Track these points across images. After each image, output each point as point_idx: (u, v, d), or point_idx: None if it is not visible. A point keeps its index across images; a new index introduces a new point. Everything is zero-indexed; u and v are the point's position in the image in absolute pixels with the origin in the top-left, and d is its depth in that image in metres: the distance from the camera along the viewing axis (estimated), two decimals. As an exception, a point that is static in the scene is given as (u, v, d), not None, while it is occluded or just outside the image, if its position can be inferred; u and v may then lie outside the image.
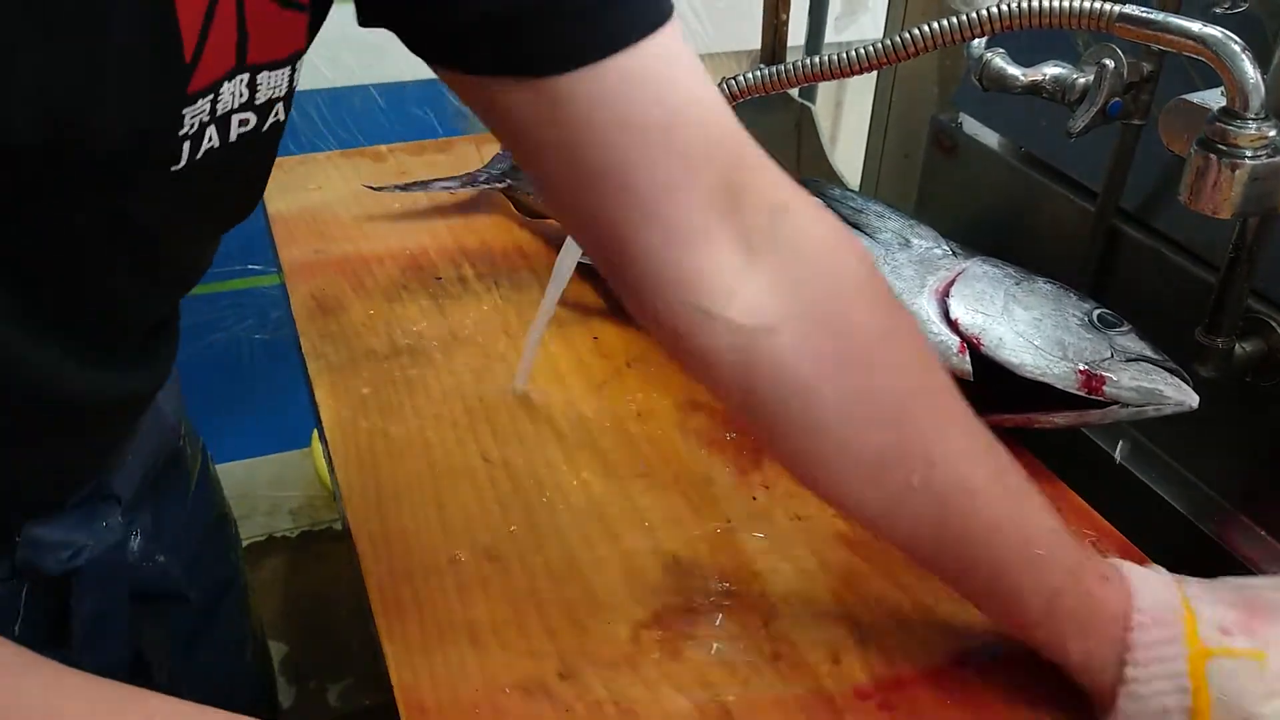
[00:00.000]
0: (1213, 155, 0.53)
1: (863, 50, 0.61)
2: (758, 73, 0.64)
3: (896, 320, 0.54)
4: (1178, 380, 0.70)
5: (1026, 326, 0.72)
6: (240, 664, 0.81)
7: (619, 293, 0.52)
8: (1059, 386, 0.69)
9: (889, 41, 0.61)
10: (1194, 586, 0.55)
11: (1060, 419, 0.71)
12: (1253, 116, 0.52)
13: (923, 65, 1.20)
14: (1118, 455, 0.75)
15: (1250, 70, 0.50)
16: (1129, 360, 0.70)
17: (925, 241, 0.80)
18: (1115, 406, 0.70)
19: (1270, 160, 0.52)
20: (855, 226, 0.81)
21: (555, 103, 0.45)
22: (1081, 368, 0.69)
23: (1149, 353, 0.72)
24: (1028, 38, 0.88)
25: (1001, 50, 0.77)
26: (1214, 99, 0.61)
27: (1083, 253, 0.89)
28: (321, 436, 0.76)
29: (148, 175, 0.42)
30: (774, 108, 1.14)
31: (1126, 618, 0.52)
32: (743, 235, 0.49)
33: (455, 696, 0.56)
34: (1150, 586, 0.54)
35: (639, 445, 0.74)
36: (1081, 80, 0.76)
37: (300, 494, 1.95)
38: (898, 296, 0.72)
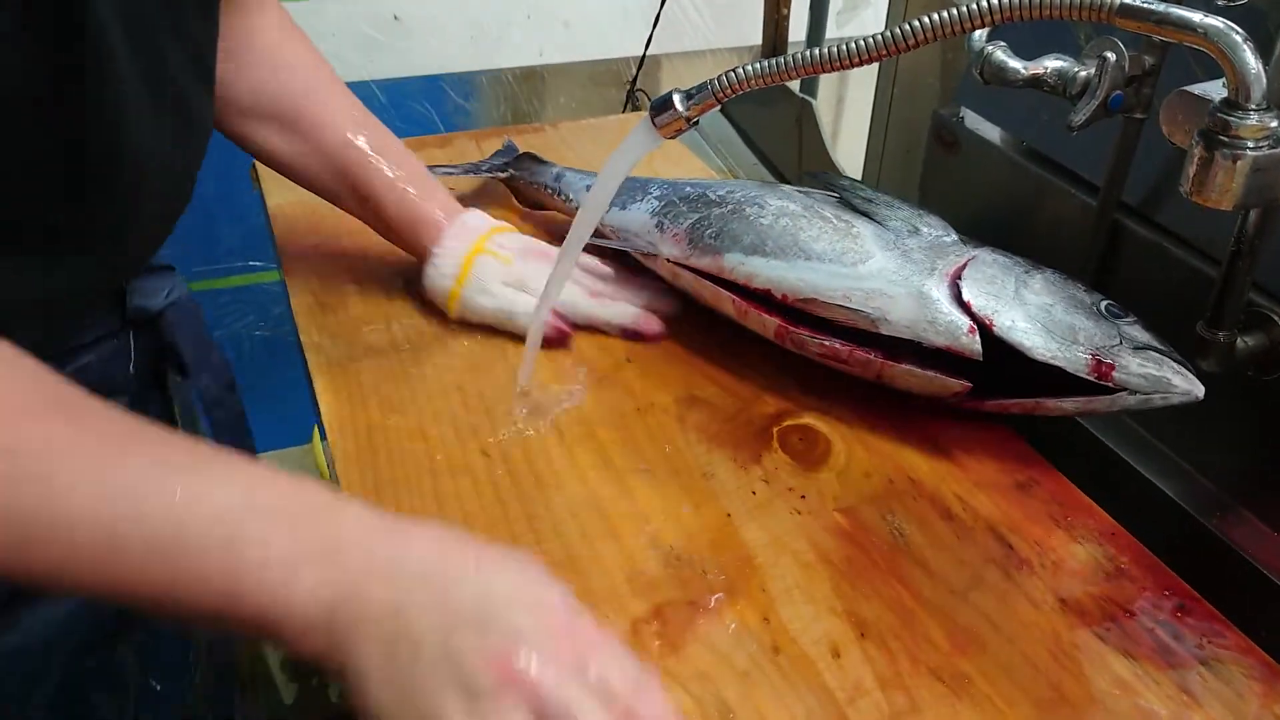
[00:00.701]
0: (1214, 147, 0.53)
1: (864, 42, 0.60)
2: (758, 65, 0.63)
3: None
4: (1184, 370, 0.71)
5: (1038, 310, 0.72)
6: None
7: None
8: (1070, 370, 0.70)
9: (890, 33, 0.61)
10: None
11: (1069, 404, 0.71)
12: (1254, 108, 0.51)
13: (924, 60, 1.19)
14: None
15: (1252, 61, 0.50)
16: (1137, 349, 0.71)
17: (935, 229, 0.81)
18: (1123, 394, 0.70)
19: (1272, 151, 0.52)
20: (866, 215, 0.82)
21: None
22: (1091, 353, 0.70)
23: (1156, 343, 0.72)
24: (1029, 31, 0.88)
25: (1003, 44, 0.77)
26: (1215, 90, 0.61)
27: (1085, 247, 0.89)
28: (321, 431, 0.76)
29: None
30: (775, 103, 1.14)
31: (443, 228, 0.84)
32: None
33: (454, 691, 0.56)
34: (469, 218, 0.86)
35: (638, 440, 0.74)
36: (1083, 73, 0.76)
37: (301, 490, 1.95)
38: (906, 280, 0.74)
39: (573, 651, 0.45)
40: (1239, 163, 0.52)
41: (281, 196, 1.02)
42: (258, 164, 1.09)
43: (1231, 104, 0.52)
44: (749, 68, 0.63)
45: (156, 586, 0.44)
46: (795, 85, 1.22)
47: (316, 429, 1.74)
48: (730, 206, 0.84)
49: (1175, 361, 0.71)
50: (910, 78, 1.20)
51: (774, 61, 0.62)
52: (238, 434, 0.87)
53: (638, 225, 0.87)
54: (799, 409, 0.77)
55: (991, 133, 1.04)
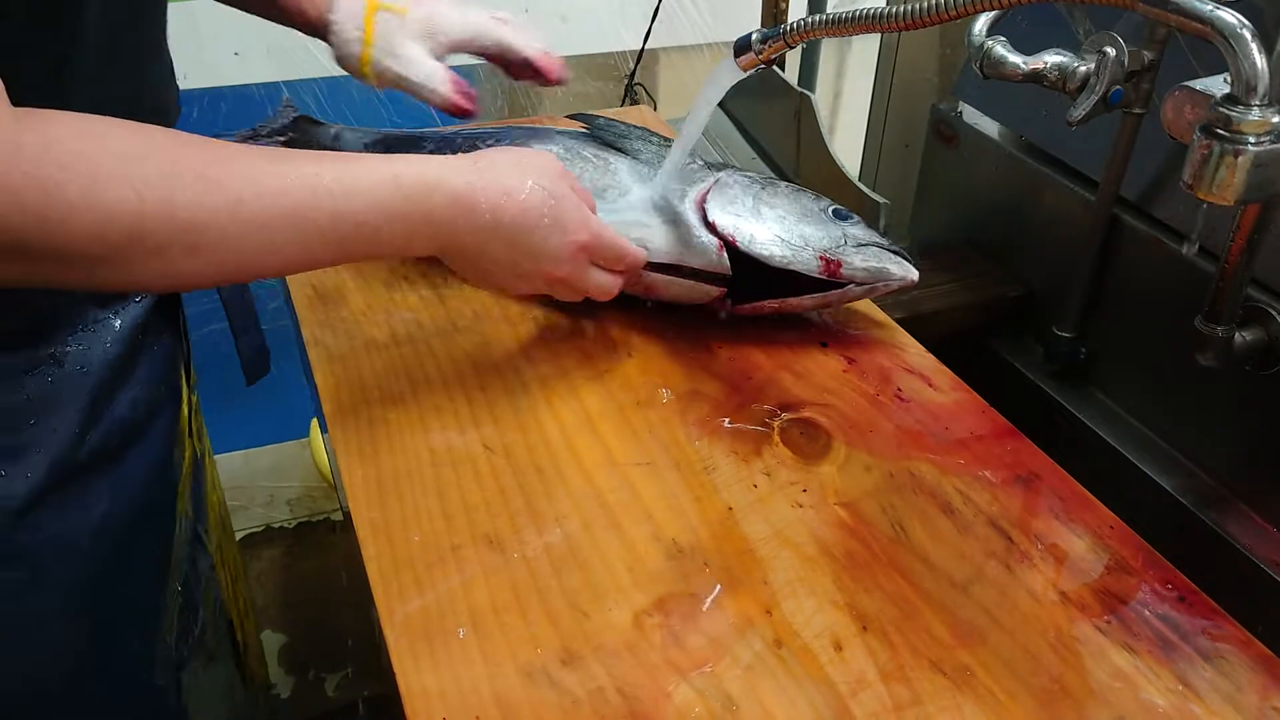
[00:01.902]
0: (1216, 142, 0.53)
1: (872, 11, 0.63)
2: (826, 15, 0.68)
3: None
4: (901, 259, 0.81)
5: (773, 223, 0.81)
6: None
7: None
8: (804, 273, 0.80)
9: (898, 9, 0.62)
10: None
11: (808, 300, 0.82)
12: (1258, 103, 0.51)
13: (922, 55, 1.20)
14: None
15: (1258, 57, 0.50)
16: (860, 246, 0.81)
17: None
18: (851, 286, 0.81)
19: (1273, 146, 0.52)
20: (621, 151, 0.90)
21: None
22: (821, 255, 0.80)
23: (876, 239, 0.82)
24: (1028, 26, 0.88)
25: (1002, 38, 0.77)
26: (1217, 86, 0.61)
27: (1083, 242, 0.90)
28: (322, 426, 0.76)
29: None
30: (774, 97, 1.14)
31: None
32: None
33: (458, 684, 0.56)
34: None
35: (640, 433, 0.74)
36: (1082, 68, 0.76)
37: (298, 485, 1.95)
38: (662, 209, 0.83)
39: (586, 259, 0.72)
40: (1241, 158, 0.53)
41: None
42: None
43: (1234, 99, 0.52)
44: (816, 17, 0.69)
45: (327, 250, 0.61)
46: (793, 79, 1.22)
47: (313, 423, 1.74)
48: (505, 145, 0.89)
49: (893, 253, 0.81)
50: (909, 72, 1.20)
51: (842, 14, 0.67)
52: (247, 329, 0.89)
53: None
54: (799, 403, 0.77)
55: (990, 127, 1.04)
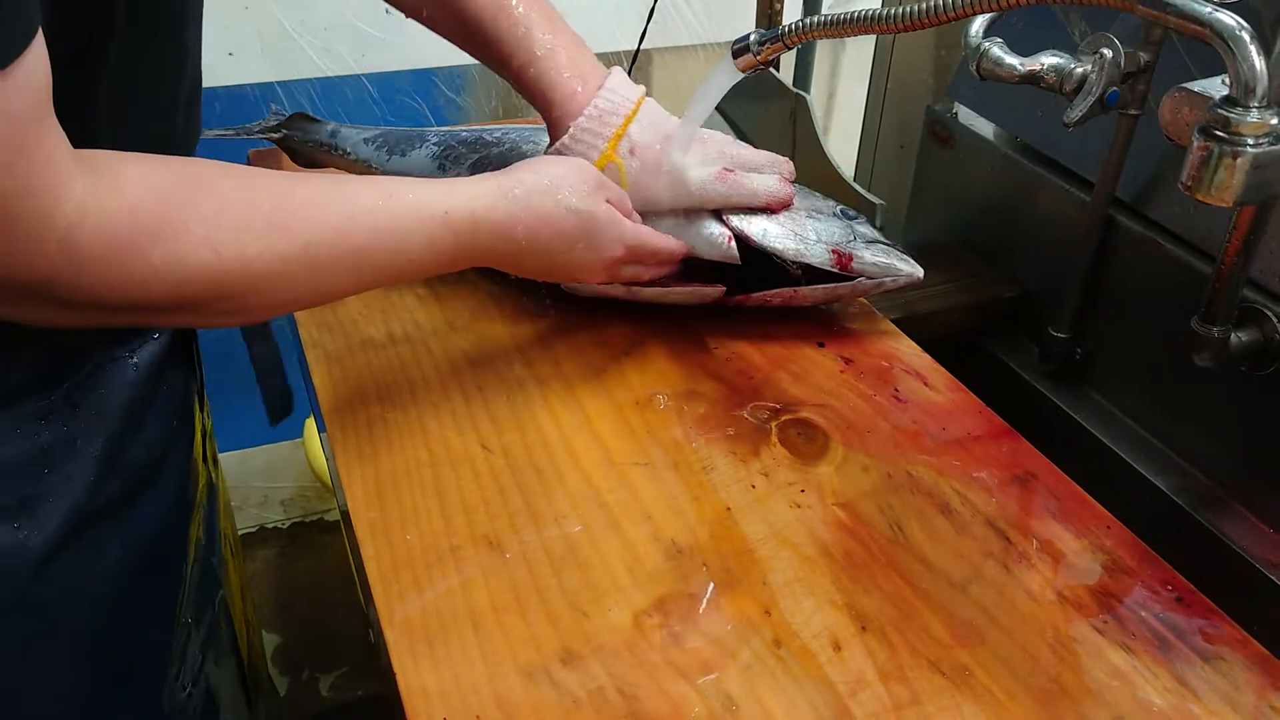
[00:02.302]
0: (1215, 143, 0.53)
1: (870, 12, 0.63)
2: (823, 17, 0.69)
3: None
4: (908, 259, 0.83)
5: (785, 219, 0.84)
6: None
7: None
8: (817, 264, 0.82)
9: (895, 11, 0.62)
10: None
11: (820, 291, 0.84)
12: (1256, 105, 0.52)
13: (918, 56, 1.20)
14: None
15: (1256, 59, 0.50)
16: (868, 243, 0.84)
17: None
18: (861, 279, 0.82)
19: (1272, 148, 0.53)
20: None
21: None
22: (832, 249, 0.82)
23: (882, 238, 0.85)
24: (1024, 28, 0.89)
25: (999, 40, 0.78)
26: (1215, 88, 0.62)
27: (1079, 243, 0.90)
28: (320, 426, 0.76)
29: None
30: (769, 98, 1.14)
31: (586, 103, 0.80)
32: None
33: (457, 683, 0.56)
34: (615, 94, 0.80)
35: (638, 433, 0.74)
36: (1079, 70, 0.76)
37: (292, 485, 1.95)
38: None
39: (621, 266, 0.77)
40: (1240, 159, 0.53)
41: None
42: (250, 155, 1.09)
43: (1233, 101, 0.53)
44: (815, 18, 0.70)
45: (378, 280, 0.67)
46: (789, 79, 1.22)
47: (307, 423, 1.73)
48: (508, 145, 0.91)
49: (900, 251, 0.83)
50: (904, 73, 1.20)
51: (840, 15, 0.68)
52: (270, 373, 0.90)
53: (419, 169, 0.92)
54: (797, 404, 0.78)
55: (985, 128, 1.05)
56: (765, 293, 0.84)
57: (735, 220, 0.82)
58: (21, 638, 0.60)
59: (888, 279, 0.82)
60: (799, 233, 0.83)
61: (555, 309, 0.87)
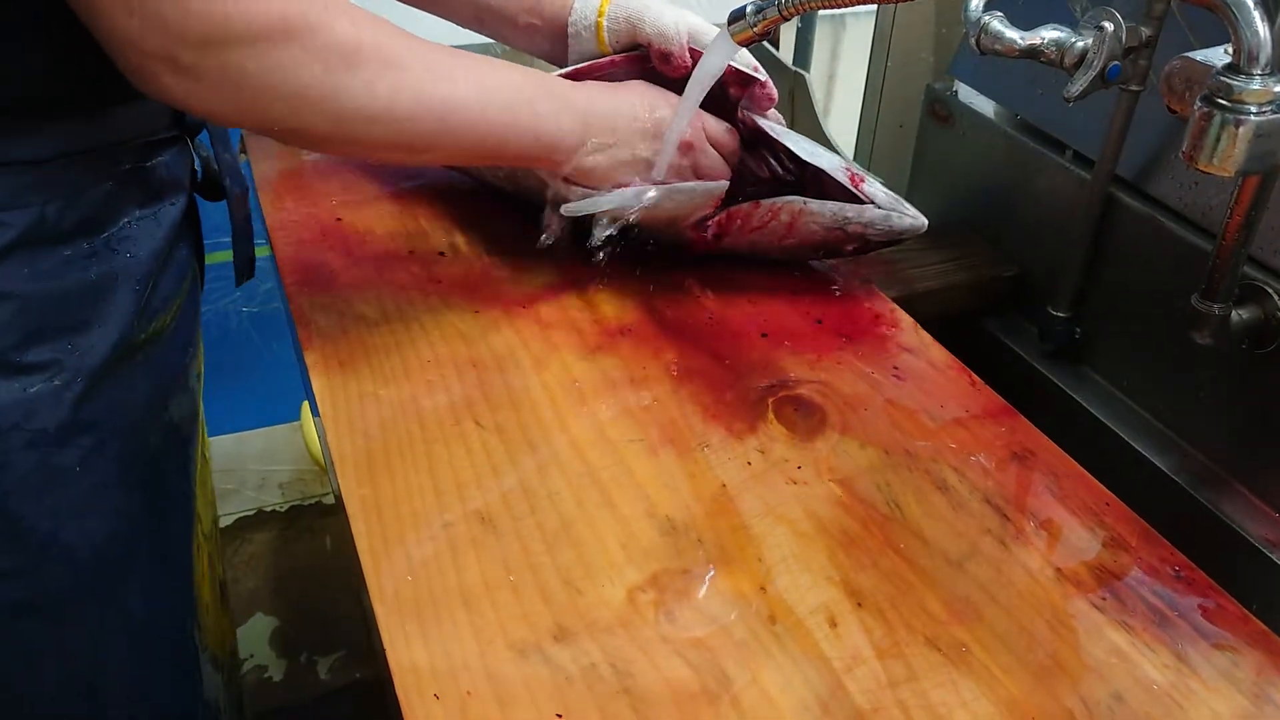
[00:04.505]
0: (1217, 111, 0.52)
1: None
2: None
3: None
4: (915, 210, 0.85)
5: (800, 138, 0.86)
6: None
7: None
8: (829, 171, 0.83)
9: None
10: None
11: (831, 206, 0.83)
12: (1259, 72, 0.51)
13: (918, 34, 1.19)
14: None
15: (1260, 25, 0.50)
16: (876, 181, 0.85)
17: None
18: (871, 206, 0.83)
19: (1274, 117, 0.52)
20: None
21: None
22: (846, 167, 0.84)
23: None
24: (1024, 3, 0.88)
25: (999, 14, 0.77)
26: (1217, 57, 0.61)
27: (1079, 220, 0.89)
28: (312, 404, 0.75)
29: None
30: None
31: None
32: None
33: (449, 660, 0.56)
34: None
35: (633, 410, 0.73)
36: (1080, 44, 0.76)
37: (289, 468, 1.94)
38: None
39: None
40: (1242, 128, 0.52)
41: (269, 165, 1.01)
42: (245, 134, 1.08)
43: (1235, 69, 0.52)
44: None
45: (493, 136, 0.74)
46: (789, 58, 1.21)
47: (304, 406, 1.73)
48: None
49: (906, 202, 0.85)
50: (904, 52, 1.19)
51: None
52: (246, 237, 0.93)
53: None
54: (794, 381, 0.77)
55: (986, 106, 1.04)
56: (773, 201, 0.83)
57: (755, 119, 0.84)
58: (80, 452, 0.71)
59: (894, 214, 0.82)
60: (811, 150, 0.83)
61: (551, 286, 0.86)
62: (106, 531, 0.75)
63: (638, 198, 0.80)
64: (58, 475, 0.70)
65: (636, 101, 0.80)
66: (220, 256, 1.68)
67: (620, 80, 0.83)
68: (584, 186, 0.80)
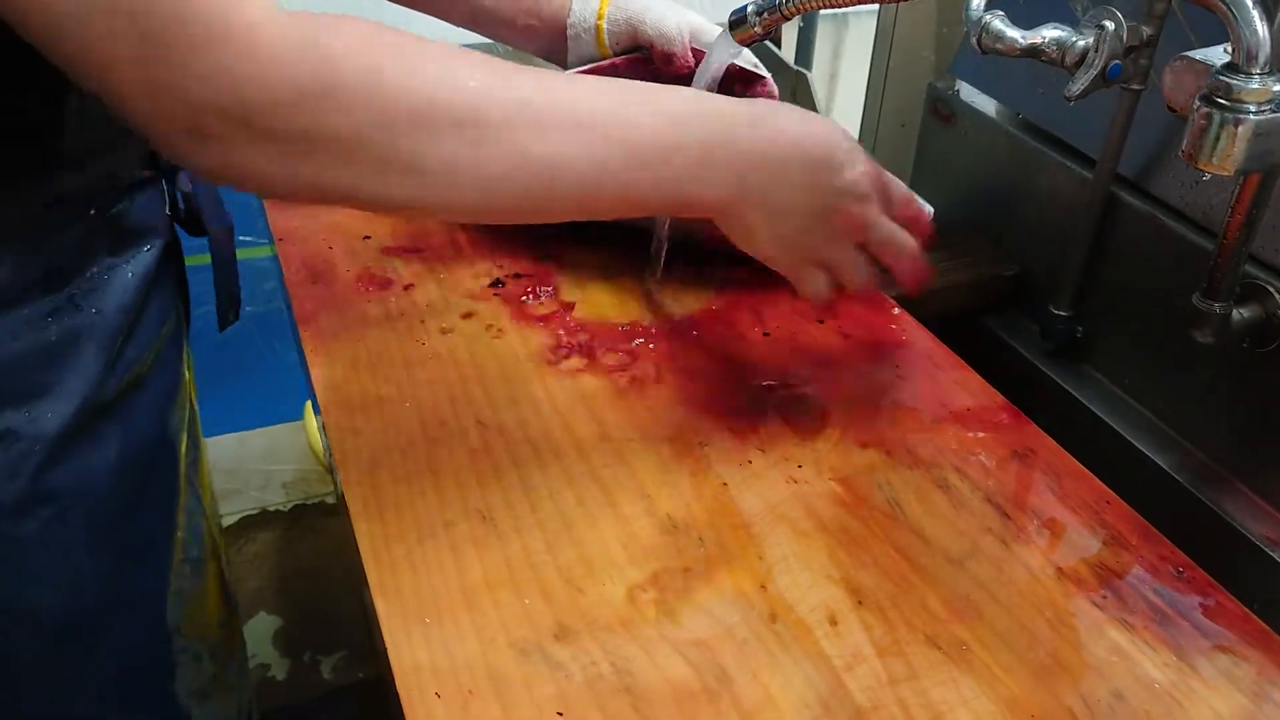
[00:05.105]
0: (1216, 110, 0.52)
1: None
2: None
3: None
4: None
5: None
6: None
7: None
8: None
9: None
10: None
11: None
12: (1259, 71, 0.51)
13: (919, 33, 1.19)
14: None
15: (1259, 24, 0.50)
16: None
17: None
18: None
19: (1274, 116, 0.52)
20: None
21: None
22: None
23: None
24: (1025, 2, 0.88)
25: (1000, 13, 0.77)
26: (1217, 56, 0.61)
27: (1081, 219, 0.89)
28: (314, 403, 0.76)
29: None
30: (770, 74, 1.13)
31: None
32: None
33: (450, 659, 0.56)
34: None
35: (634, 409, 0.74)
36: (1081, 43, 0.76)
37: (292, 467, 1.94)
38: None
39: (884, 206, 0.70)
40: (1241, 127, 0.52)
41: (272, 167, 1.01)
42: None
43: (1235, 68, 0.52)
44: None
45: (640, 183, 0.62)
46: (790, 57, 1.21)
47: (307, 405, 1.73)
48: None
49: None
50: (906, 51, 1.19)
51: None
52: (229, 277, 0.88)
53: None
54: (795, 380, 0.77)
55: (987, 105, 1.04)
56: None
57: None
58: (39, 523, 0.65)
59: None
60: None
61: (553, 288, 0.86)
62: (71, 596, 0.69)
63: None
64: (16, 545, 0.65)
65: None
66: (243, 254, 1.68)
67: None
68: None
